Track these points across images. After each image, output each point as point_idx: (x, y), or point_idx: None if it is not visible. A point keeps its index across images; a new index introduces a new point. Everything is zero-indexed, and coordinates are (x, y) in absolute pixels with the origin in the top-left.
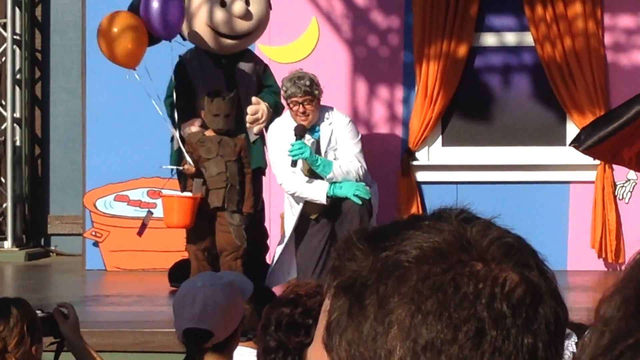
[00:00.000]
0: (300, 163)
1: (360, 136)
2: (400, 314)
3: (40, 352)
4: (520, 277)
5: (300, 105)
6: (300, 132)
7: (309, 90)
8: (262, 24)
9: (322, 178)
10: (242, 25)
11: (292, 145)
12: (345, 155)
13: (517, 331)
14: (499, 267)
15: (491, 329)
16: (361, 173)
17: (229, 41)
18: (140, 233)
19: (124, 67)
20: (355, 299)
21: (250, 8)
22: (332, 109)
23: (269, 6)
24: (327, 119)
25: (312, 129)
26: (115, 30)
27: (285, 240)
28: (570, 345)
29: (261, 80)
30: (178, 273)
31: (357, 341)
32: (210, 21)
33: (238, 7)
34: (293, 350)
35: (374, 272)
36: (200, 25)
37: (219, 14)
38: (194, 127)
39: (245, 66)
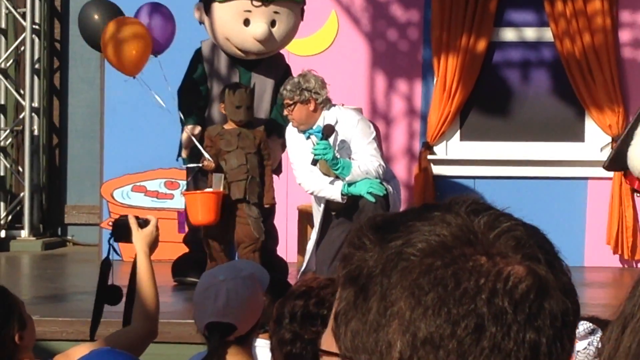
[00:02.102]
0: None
1: (374, 134)
2: (401, 307)
3: (30, 337)
4: (527, 270)
5: (285, 109)
6: (328, 132)
7: (288, 95)
8: (284, 43)
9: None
10: (260, 48)
11: (317, 144)
12: (361, 155)
13: (518, 327)
14: (504, 260)
15: (491, 325)
16: (381, 171)
17: (243, 55)
18: (182, 230)
19: (126, 74)
20: (361, 289)
21: (275, 29)
22: (341, 109)
23: (300, 18)
24: (332, 119)
25: (315, 128)
26: (122, 36)
27: (315, 238)
28: (596, 340)
29: (279, 84)
30: (181, 267)
31: (360, 332)
32: (229, 36)
33: (259, 32)
34: (309, 340)
35: (379, 264)
36: (219, 36)
37: (240, 33)
38: (190, 132)
39: (262, 73)
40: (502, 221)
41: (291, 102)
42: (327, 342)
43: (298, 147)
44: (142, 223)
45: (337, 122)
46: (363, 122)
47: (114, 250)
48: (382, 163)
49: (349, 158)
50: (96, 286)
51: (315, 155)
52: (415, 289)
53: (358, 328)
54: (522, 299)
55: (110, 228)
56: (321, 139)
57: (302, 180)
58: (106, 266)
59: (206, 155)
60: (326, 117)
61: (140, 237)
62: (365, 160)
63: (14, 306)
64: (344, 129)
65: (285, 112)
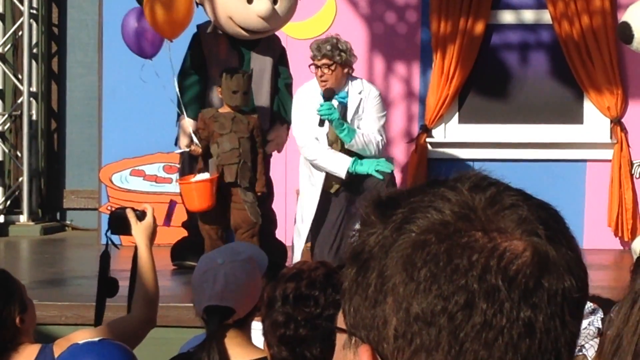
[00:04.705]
0: (327, 127)
1: (385, 112)
2: (395, 284)
3: (31, 320)
4: (525, 246)
5: (319, 69)
6: (328, 95)
7: (329, 55)
8: (285, 20)
9: (345, 153)
10: (263, 25)
11: (321, 105)
12: (368, 126)
13: (511, 304)
14: (502, 236)
15: (481, 301)
16: (380, 147)
17: (246, 34)
18: (167, 224)
19: (165, 36)
20: (362, 266)
21: (277, 6)
22: (364, 80)
23: None
24: (358, 88)
25: (340, 94)
26: None
27: (311, 217)
28: (596, 320)
29: (277, 68)
30: (180, 251)
31: (361, 308)
32: (232, 15)
33: (263, 9)
34: (303, 321)
35: (380, 240)
36: (221, 15)
37: (243, 12)
38: (187, 133)
39: (261, 53)
40: (505, 197)
41: (331, 62)
42: (340, 319)
43: (304, 111)
44: (140, 215)
45: (361, 91)
46: (381, 97)
47: (112, 242)
48: (385, 140)
49: (358, 127)
50: (97, 278)
51: (321, 115)
52: (409, 265)
53: (359, 304)
54: (517, 275)
55: (108, 220)
56: (324, 101)
57: (304, 144)
58: (105, 258)
59: (195, 140)
60: (352, 86)
61: (140, 230)
62: (369, 132)
63: (15, 289)
64: (366, 99)
65: (320, 74)
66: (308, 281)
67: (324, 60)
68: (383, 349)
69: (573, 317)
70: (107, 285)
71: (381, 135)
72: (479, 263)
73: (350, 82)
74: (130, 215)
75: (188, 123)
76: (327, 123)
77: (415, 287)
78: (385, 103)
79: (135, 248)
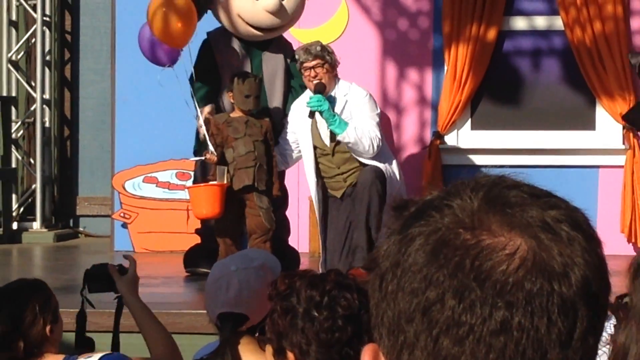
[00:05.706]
0: (326, 131)
1: (378, 111)
2: (387, 284)
3: (59, 332)
4: (507, 244)
5: (312, 70)
6: (319, 88)
7: (320, 55)
8: (294, 17)
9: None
10: (272, 20)
11: (311, 98)
12: (362, 122)
13: (482, 302)
14: (488, 234)
15: (450, 298)
16: (375, 144)
17: (257, 32)
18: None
19: (173, 46)
20: (374, 270)
21: (285, 2)
22: (351, 83)
23: None
24: (344, 91)
25: (327, 97)
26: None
27: (319, 222)
28: (609, 327)
29: (289, 68)
30: (192, 258)
31: (373, 312)
32: (241, 12)
33: (271, 3)
34: (342, 321)
35: (389, 246)
36: (231, 14)
37: (251, 8)
38: (205, 113)
39: (273, 54)
40: (507, 197)
41: (323, 62)
42: None
43: (293, 121)
44: (121, 269)
45: (346, 94)
46: (371, 99)
47: (88, 302)
48: (380, 137)
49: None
50: (75, 338)
51: (310, 107)
52: (395, 264)
53: (371, 307)
54: (492, 273)
55: (84, 279)
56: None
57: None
58: (82, 318)
59: (210, 148)
60: (339, 89)
61: (125, 285)
62: (363, 126)
63: (52, 299)
64: (353, 101)
65: (314, 74)
66: (332, 284)
67: (317, 61)
68: (383, 348)
69: (566, 316)
70: (83, 346)
71: (376, 132)
72: (453, 260)
73: (337, 85)
74: (113, 272)
75: (205, 111)
76: (317, 116)
77: (397, 284)
78: (398, 109)
79: (119, 301)
